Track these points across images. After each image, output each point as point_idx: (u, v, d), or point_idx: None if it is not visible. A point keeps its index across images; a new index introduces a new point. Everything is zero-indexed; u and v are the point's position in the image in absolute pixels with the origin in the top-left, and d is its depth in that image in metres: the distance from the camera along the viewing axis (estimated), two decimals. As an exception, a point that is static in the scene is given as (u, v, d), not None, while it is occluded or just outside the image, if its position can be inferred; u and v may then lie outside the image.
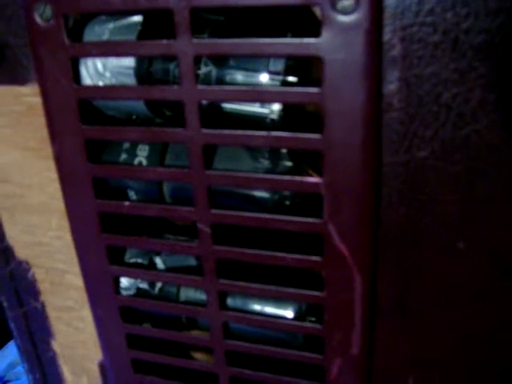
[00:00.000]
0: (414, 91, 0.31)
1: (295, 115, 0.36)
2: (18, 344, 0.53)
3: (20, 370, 0.90)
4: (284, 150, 0.37)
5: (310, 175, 0.35)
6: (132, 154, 0.39)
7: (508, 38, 0.29)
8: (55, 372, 0.53)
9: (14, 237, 0.47)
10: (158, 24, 0.36)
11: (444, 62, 0.30)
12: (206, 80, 0.35)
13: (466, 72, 0.30)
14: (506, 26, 0.29)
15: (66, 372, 0.52)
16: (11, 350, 0.95)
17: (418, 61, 0.31)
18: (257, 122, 0.35)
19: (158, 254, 0.43)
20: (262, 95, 0.33)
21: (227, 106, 0.36)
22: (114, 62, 0.36)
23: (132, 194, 0.40)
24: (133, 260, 0.43)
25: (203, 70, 0.35)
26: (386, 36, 0.31)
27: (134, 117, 0.39)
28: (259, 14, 0.35)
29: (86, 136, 0.38)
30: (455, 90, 0.31)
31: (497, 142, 0.31)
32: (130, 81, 0.36)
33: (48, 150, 0.40)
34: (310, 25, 0.32)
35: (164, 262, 0.43)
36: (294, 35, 0.32)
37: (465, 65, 0.30)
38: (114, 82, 0.37)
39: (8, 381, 0.91)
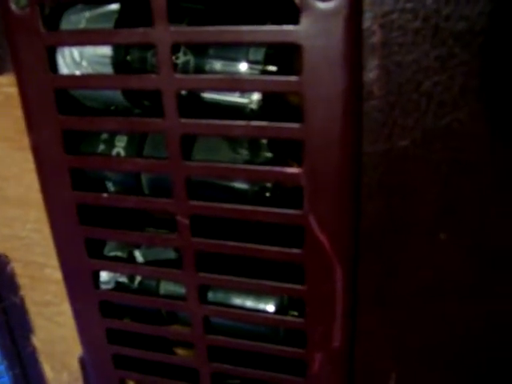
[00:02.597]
0: (394, 79, 0.31)
1: (275, 105, 0.35)
2: (-2, 340, 0.52)
3: (1, 369, 0.89)
4: (264, 141, 0.36)
5: (291, 166, 0.35)
6: (110, 144, 0.38)
7: (488, 24, 0.29)
8: (35, 368, 0.52)
9: (-9, 230, 0.47)
10: (136, 12, 0.35)
11: (424, 50, 0.30)
12: (185, 69, 0.35)
13: (447, 59, 0.30)
14: (486, 12, 0.28)
15: (47, 367, 0.52)
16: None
17: (398, 48, 0.30)
18: (236, 111, 0.35)
19: (138, 247, 0.42)
20: (240, 84, 0.32)
21: (207, 95, 0.35)
22: (90, 50, 0.36)
23: (110, 186, 0.40)
24: (112, 253, 0.43)
25: (182, 59, 0.35)
26: (366, 23, 0.30)
27: (112, 107, 0.39)
28: (238, 2, 0.34)
29: (63, 126, 0.37)
30: (436, 77, 0.30)
31: (478, 131, 0.31)
32: (107, 70, 0.36)
33: (26, 141, 0.39)
34: (290, 13, 0.31)
35: (143, 255, 0.42)
36: (274, 24, 0.32)
37: (445, 52, 0.30)
38: (90, 71, 0.36)
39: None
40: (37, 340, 0.51)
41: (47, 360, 0.51)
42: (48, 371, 0.52)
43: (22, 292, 0.49)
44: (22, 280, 0.48)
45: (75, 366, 0.50)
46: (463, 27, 0.29)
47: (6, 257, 0.47)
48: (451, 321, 0.35)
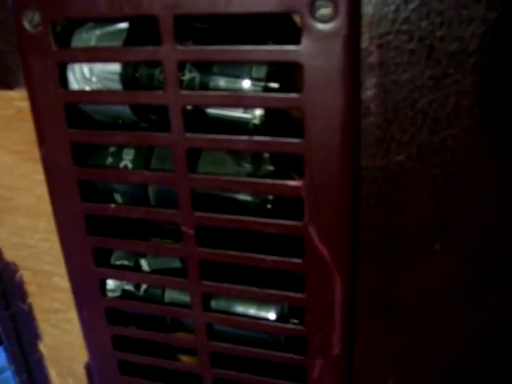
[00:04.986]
0: (391, 97, 0.32)
1: (277, 120, 0.37)
2: (5, 346, 0.53)
3: (8, 375, 0.90)
4: (266, 155, 0.37)
5: (292, 179, 0.36)
6: (118, 157, 0.40)
7: (480, 45, 0.30)
8: (42, 374, 0.53)
9: (1, 238, 0.48)
10: (144, 31, 0.36)
11: (420, 69, 0.31)
12: (190, 86, 0.36)
13: (441, 78, 0.31)
14: (478, 34, 0.30)
15: (53, 374, 0.53)
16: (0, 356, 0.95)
17: (394, 67, 0.32)
18: (240, 126, 0.36)
19: (144, 256, 0.44)
20: (243, 100, 0.34)
21: (211, 111, 0.37)
22: (100, 67, 0.37)
23: (118, 197, 0.41)
24: (119, 262, 0.44)
25: (187, 76, 0.36)
26: (364, 43, 0.32)
27: (120, 121, 0.40)
28: (242, 22, 0.35)
29: (72, 139, 0.38)
30: (431, 96, 0.32)
31: (472, 146, 0.32)
32: (116, 86, 0.37)
33: (36, 153, 0.41)
34: (291, 32, 0.32)
35: (149, 264, 0.43)
36: (275, 43, 0.33)
37: (440, 72, 0.31)
38: (100, 86, 0.37)
39: (-5, 386, 0.91)
40: (44, 346, 0.52)
41: (53, 366, 0.53)
42: (54, 377, 0.53)
43: (30, 299, 0.50)
44: (31, 288, 0.49)
45: (81, 371, 0.51)
46: (457, 48, 0.30)
47: (15, 265, 0.49)
48: (447, 328, 0.37)
